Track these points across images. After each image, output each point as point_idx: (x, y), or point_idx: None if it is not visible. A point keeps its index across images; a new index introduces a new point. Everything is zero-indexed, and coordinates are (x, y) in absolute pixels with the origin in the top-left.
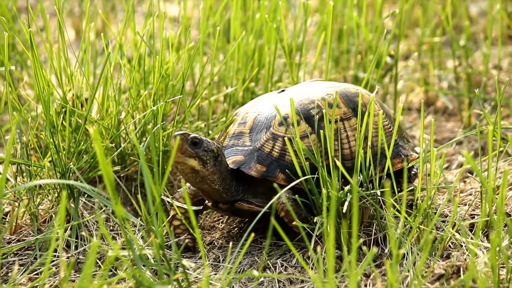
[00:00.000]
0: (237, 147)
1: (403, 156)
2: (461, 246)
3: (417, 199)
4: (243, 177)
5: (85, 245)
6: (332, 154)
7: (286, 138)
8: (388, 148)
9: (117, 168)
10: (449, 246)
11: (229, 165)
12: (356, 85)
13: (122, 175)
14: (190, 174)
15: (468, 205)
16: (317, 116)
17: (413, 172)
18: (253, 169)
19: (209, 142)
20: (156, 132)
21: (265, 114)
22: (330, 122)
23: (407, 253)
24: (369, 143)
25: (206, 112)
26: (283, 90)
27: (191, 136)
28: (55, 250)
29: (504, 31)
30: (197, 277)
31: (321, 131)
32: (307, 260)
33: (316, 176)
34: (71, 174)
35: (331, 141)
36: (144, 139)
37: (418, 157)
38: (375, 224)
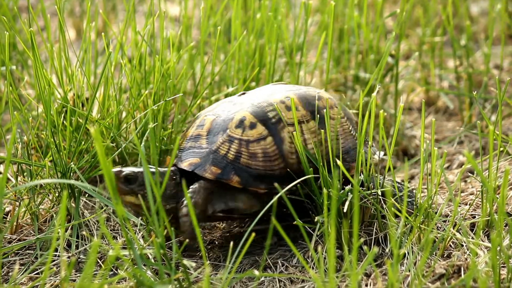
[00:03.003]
0: (194, 149)
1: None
2: (462, 245)
3: (418, 199)
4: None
5: (86, 244)
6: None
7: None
8: (348, 151)
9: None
10: (450, 245)
11: (185, 167)
12: (319, 89)
13: None
14: (134, 207)
15: (469, 204)
16: (274, 119)
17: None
18: (207, 171)
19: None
20: (157, 132)
21: (223, 116)
22: (288, 124)
23: (408, 253)
24: (329, 146)
25: None
26: (244, 93)
27: (123, 174)
28: (56, 250)
29: (505, 31)
30: (198, 276)
31: (282, 134)
32: (308, 260)
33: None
34: (71, 174)
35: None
36: (145, 138)
37: (377, 161)
38: (376, 223)
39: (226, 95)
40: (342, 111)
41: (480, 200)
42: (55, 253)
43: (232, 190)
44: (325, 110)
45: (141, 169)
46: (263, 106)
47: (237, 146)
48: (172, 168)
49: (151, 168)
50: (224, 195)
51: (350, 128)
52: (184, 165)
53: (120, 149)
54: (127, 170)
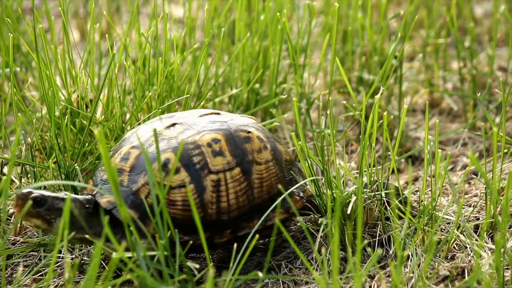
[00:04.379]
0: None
1: (285, 206)
2: (466, 247)
3: (422, 201)
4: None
5: (90, 246)
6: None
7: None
8: (273, 198)
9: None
10: (454, 247)
11: (103, 204)
12: (252, 122)
13: None
14: (44, 231)
15: (473, 206)
16: (199, 164)
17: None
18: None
19: (57, 200)
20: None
21: (148, 153)
22: (211, 172)
23: (411, 255)
24: (255, 194)
25: None
26: (173, 124)
27: (32, 196)
28: (60, 252)
29: (508, 32)
30: (201, 278)
31: (205, 182)
32: (312, 262)
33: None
34: (75, 175)
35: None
36: None
37: (304, 201)
38: (379, 225)
39: (230, 97)
40: (272, 150)
41: (484, 202)
42: (59, 254)
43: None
44: (252, 155)
45: (51, 194)
46: (189, 149)
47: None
48: (88, 197)
49: (62, 195)
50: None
51: (277, 172)
52: (103, 202)
53: None
54: (36, 192)
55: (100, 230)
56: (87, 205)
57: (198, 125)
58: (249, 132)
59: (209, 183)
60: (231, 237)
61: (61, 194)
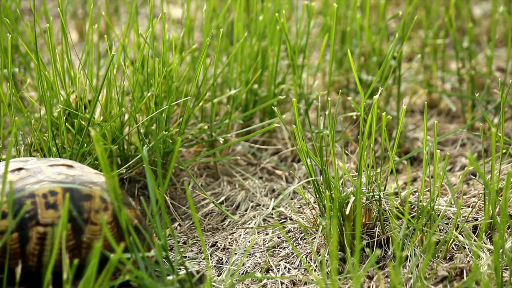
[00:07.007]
0: None
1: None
2: (464, 248)
3: (421, 201)
4: None
5: None
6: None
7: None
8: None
9: (122, 170)
10: (452, 248)
11: None
12: (102, 181)
13: (125, 177)
14: None
15: (471, 207)
16: (28, 214)
17: None
18: None
19: None
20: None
21: None
22: (39, 224)
23: (410, 255)
24: (83, 254)
25: (209, 114)
26: (19, 169)
27: None
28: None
29: (507, 33)
30: (200, 278)
31: (30, 233)
32: (310, 262)
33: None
34: None
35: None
36: (147, 140)
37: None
38: (378, 226)
39: (229, 98)
40: (114, 213)
41: (483, 202)
42: None
43: None
44: (89, 214)
45: None
46: (24, 196)
47: None
48: None
49: None
50: None
51: (115, 235)
52: None
53: (116, 147)
54: None
55: None
56: None
57: (43, 174)
58: (91, 190)
59: (34, 235)
60: None
61: None
